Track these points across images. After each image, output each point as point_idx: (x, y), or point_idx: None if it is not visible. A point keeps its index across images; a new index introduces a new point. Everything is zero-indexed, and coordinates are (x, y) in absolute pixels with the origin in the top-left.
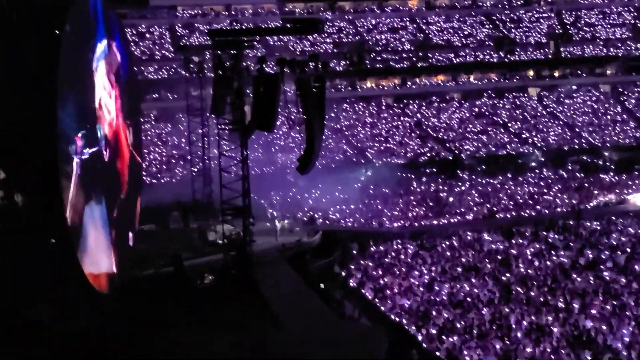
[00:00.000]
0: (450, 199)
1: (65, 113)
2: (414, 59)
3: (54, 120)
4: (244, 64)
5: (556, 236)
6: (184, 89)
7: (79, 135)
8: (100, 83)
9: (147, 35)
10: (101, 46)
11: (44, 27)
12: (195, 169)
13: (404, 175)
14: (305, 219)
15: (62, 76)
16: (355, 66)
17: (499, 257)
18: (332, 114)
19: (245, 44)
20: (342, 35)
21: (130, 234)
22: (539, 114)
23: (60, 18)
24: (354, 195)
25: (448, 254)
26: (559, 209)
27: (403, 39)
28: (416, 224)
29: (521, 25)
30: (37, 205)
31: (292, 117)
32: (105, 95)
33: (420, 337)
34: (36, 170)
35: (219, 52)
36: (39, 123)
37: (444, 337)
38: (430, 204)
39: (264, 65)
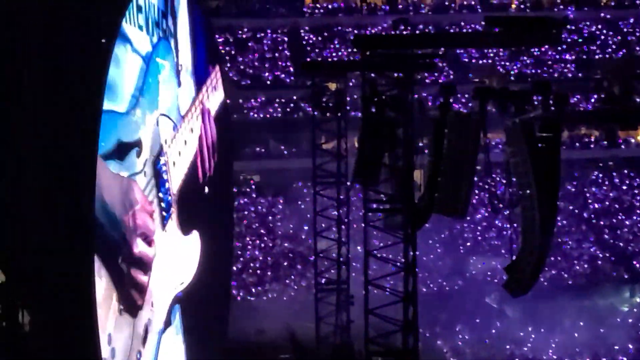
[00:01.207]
0: None
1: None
2: None
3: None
4: (414, 95)
5: None
6: (307, 139)
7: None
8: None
9: (250, 45)
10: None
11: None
12: (323, 280)
13: None
14: None
15: None
16: (619, 103)
17: None
18: (572, 189)
19: (421, 63)
20: (593, 47)
21: None
22: None
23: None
24: (612, 338)
25: None
26: None
27: None
28: None
29: None
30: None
31: (498, 191)
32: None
33: None
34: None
35: (372, 75)
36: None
37: None
38: None
39: (450, 100)
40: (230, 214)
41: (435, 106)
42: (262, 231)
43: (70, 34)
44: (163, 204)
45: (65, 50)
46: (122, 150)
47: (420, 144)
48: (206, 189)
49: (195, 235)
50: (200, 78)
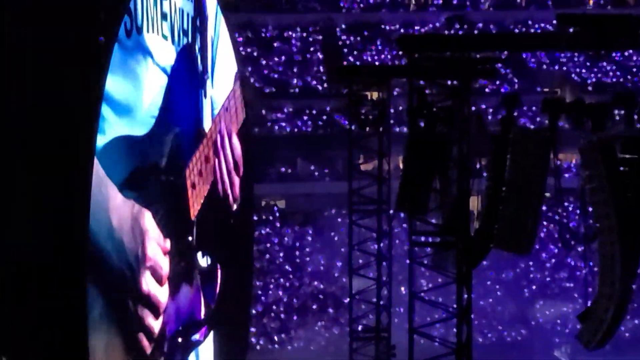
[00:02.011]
0: None
1: None
2: None
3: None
4: (472, 108)
5: None
6: (342, 158)
7: None
8: None
9: (276, 45)
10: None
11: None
12: (359, 327)
13: None
14: None
15: None
16: None
17: None
18: None
19: (480, 69)
20: None
21: None
22: None
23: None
24: None
25: None
26: None
27: None
28: None
29: None
30: None
31: (571, 224)
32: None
33: None
34: None
35: (421, 82)
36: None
37: None
38: None
39: (514, 113)
40: (249, 246)
41: (496, 120)
42: (287, 267)
43: (62, 29)
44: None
45: (54, 50)
46: (139, 178)
47: (478, 166)
48: (230, 217)
49: (215, 269)
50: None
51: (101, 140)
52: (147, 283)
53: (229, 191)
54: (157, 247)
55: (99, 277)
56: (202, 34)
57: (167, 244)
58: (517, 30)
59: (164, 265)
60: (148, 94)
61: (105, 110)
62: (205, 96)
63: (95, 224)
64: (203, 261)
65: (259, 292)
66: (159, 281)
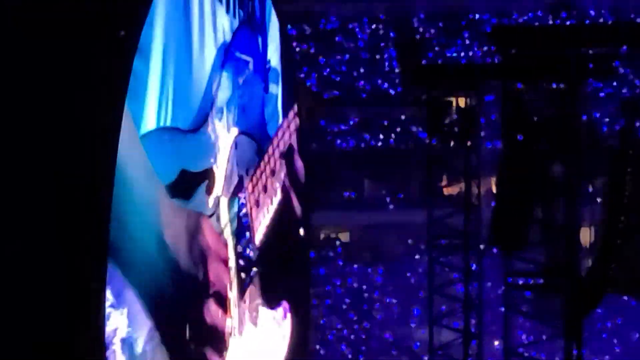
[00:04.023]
0: None
1: None
2: None
3: None
4: (583, 117)
5: None
6: (420, 180)
7: None
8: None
9: (338, 41)
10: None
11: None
12: None
13: None
14: None
15: None
16: None
17: None
18: None
19: (592, 68)
20: None
21: None
22: None
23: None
24: None
25: None
26: None
27: None
28: None
29: None
30: None
31: None
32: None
33: None
34: None
35: (518, 86)
36: None
37: None
38: None
39: (636, 124)
40: (304, 288)
41: (613, 133)
42: (351, 315)
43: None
44: (242, 262)
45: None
46: (187, 185)
47: (590, 189)
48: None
49: (284, 309)
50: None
51: (144, 127)
52: (211, 310)
53: (297, 216)
54: (219, 266)
55: (156, 313)
56: (262, 8)
57: (230, 262)
58: (639, 20)
59: (229, 288)
60: (197, 76)
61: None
62: (267, 91)
63: (146, 235)
64: (271, 300)
65: (317, 347)
66: (224, 309)
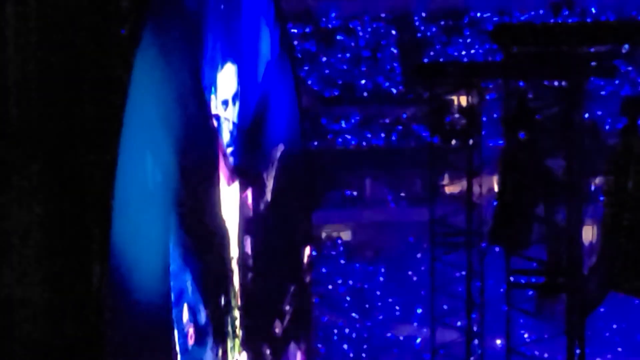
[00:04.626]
0: None
1: None
2: None
3: None
4: (585, 115)
5: None
6: (422, 178)
7: None
8: None
9: (339, 39)
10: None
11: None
12: None
13: None
14: None
15: None
16: None
17: None
18: None
19: (594, 66)
20: None
21: None
22: None
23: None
24: None
25: None
26: None
27: None
28: None
29: None
30: None
31: None
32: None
33: None
34: None
35: (520, 84)
36: None
37: None
38: None
39: (638, 122)
40: (305, 291)
41: (615, 131)
42: (354, 315)
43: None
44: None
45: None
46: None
47: (593, 187)
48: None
49: None
50: None
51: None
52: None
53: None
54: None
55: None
56: None
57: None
58: None
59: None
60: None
61: None
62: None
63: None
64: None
65: (319, 345)
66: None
